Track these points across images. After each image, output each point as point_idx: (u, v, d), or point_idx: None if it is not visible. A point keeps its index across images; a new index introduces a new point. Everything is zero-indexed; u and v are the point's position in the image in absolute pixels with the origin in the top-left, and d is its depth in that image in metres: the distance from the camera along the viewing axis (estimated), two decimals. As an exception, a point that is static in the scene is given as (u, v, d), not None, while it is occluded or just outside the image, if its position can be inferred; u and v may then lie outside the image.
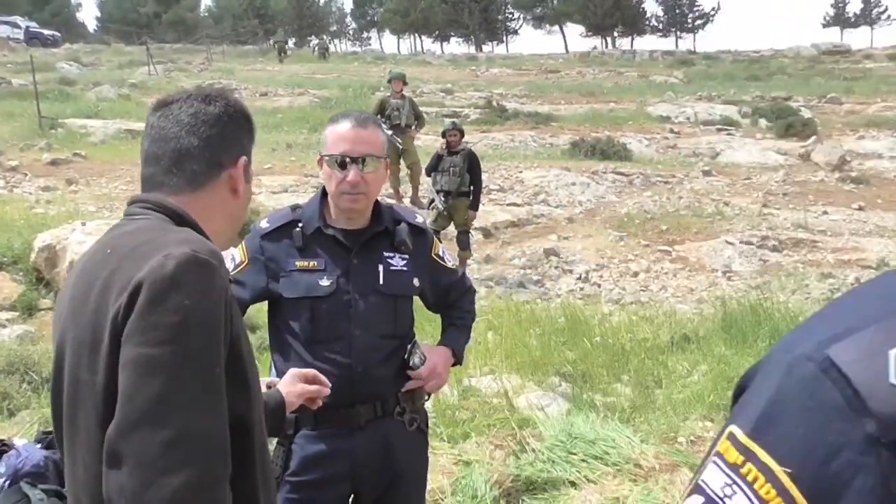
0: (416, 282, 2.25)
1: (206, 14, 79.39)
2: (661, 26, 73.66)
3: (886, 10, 73.27)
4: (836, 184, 13.64)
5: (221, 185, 1.42)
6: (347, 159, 2.09)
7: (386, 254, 2.21)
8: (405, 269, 2.22)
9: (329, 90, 24.73)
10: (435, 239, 2.41)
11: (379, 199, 2.29)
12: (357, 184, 2.09)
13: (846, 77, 33.42)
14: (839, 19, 74.93)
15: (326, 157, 2.13)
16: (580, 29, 73.08)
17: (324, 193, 2.19)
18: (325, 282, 2.12)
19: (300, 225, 2.16)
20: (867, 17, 73.98)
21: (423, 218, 2.44)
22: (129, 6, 69.86)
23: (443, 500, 3.44)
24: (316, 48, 49.05)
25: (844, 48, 50.43)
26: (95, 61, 34.84)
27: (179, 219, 1.37)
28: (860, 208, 11.86)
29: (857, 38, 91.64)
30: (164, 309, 1.17)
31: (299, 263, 2.14)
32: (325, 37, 65.84)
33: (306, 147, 15.11)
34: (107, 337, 1.21)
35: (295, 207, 2.24)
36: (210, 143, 1.40)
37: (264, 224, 2.22)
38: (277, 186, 11.78)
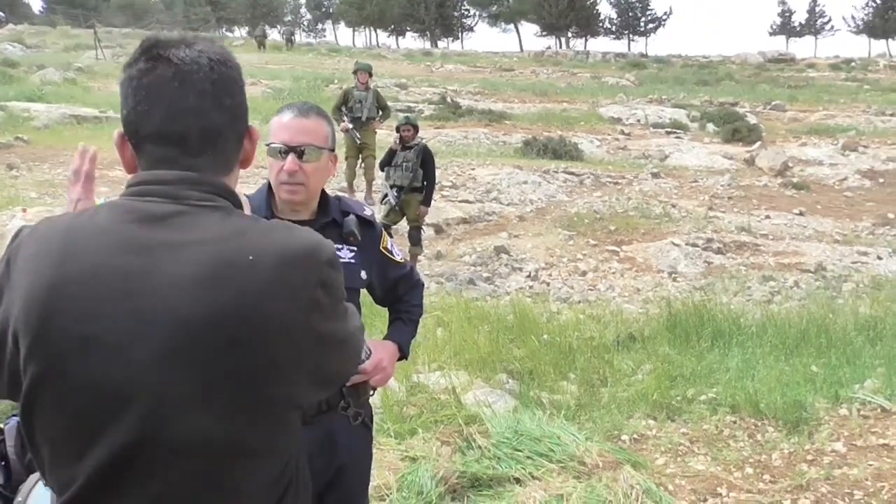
0: (363, 274, 2.24)
1: (157, -1, 77.69)
2: (614, 28, 74.70)
3: (830, 20, 75.57)
4: (778, 189, 14.01)
5: (237, 161, 1.29)
6: (286, 148, 2.07)
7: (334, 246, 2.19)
8: (353, 261, 2.21)
9: (282, 81, 24.46)
10: (384, 232, 2.40)
11: (327, 190, 2.27)
12: (294, 172, 2.07)
13: (790, 85, 34.37)
14: (785, 28, 76.99)
15: (267, 146, 2.11)
16: (535, 28, 73.75)
17: (271, 184, 2.17)
18: None
19: None
20: (812, 27, 76.18)
21: (372, 211, 2.43)
22: (77, -13, 67.94)
23: (388, 495, 3.44)
24: (283, 34, 48.86)
25: (789, 57, 51.88)
26: (40, 43, 33.92)
27: (236, 200, 1.24)
28: (801, 213, 12.20)
29: (802, 48, 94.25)
30: (338, 295, 1.25)
31: None
32: (287, 26, 65.26)
33: (258, 138, 14.93)
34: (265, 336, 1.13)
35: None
36: (235, 116, 1.23)
37: None
38: (228, 177, 11.62)
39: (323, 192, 2.21)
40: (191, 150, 1.18)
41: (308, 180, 2.09)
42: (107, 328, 1.10)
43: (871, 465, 3.91)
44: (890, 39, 69.26)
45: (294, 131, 2.08)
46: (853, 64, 48.45)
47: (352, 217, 2.23)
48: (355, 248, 2.22)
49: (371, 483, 3.02)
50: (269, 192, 2.17)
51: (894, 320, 6.17)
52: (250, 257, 1.13)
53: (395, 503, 3.40)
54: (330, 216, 2.20)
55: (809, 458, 4.04)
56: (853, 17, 72.31)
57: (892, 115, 24.46)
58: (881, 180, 15.10)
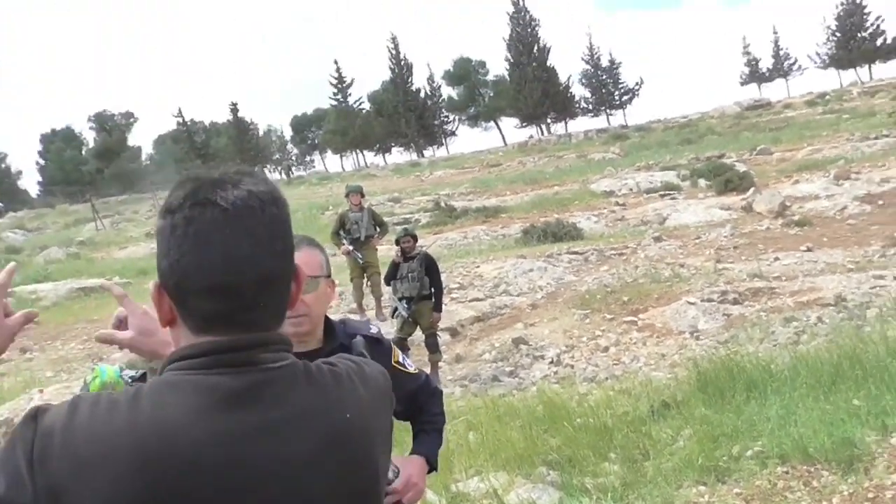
0: None
1: (148, 162, 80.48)
2: (590, 107, 76.64)
3: (796, 60, 77.60)
4: (781, 229, 14.01)
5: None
6: None
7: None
8: None
9: (279, 217, 24.91)
10: (394, 347, 2.40)
11: (329, 315, 2.28)
12: (296, 307, 2.08)
13: (771, 128, 34.98)
14: (754, 76, 78.96)
15: None
16: (514, 121, 75.71)
17: None
18: None
19: None
20: (780, 70, 78.12)
21: (378, 328, 2.43)
22: (71, 166, 70.56)
23: None
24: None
25: (765, 101, 53.10)
26: (41, 225, 34.93)
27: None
28: (808, 249, 12.15)
29: (775, 90, 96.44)
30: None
31: None
32: (265, 167, 67.30)
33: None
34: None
35: None
36: (287, 260, 1.14)
37: None
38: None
39: (326, 318, 2.22)
40: (245, 303, 1.08)
41: (310, 310, 2.10)
42: None
43: (935, 492, 3.75)
44: (858, 67, 70.86)
45: None
46: (828, 97, 49.45)
47: (359, 338, 2.23)
48: None
49: None
50: None
51: (925, 338, 6.04)
52: (347, 415, 1.14)
53: None
54: (337, 341, 2.19)
55: (871, 495, 3.88)
56: (818, 54, 74.20)
57: (876, 138, 24.75)
58: (880, 202, 15.11)
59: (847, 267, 10.77)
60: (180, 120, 73.90)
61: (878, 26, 69.36)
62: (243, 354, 1.07)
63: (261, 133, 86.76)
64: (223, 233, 1.06)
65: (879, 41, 69.09)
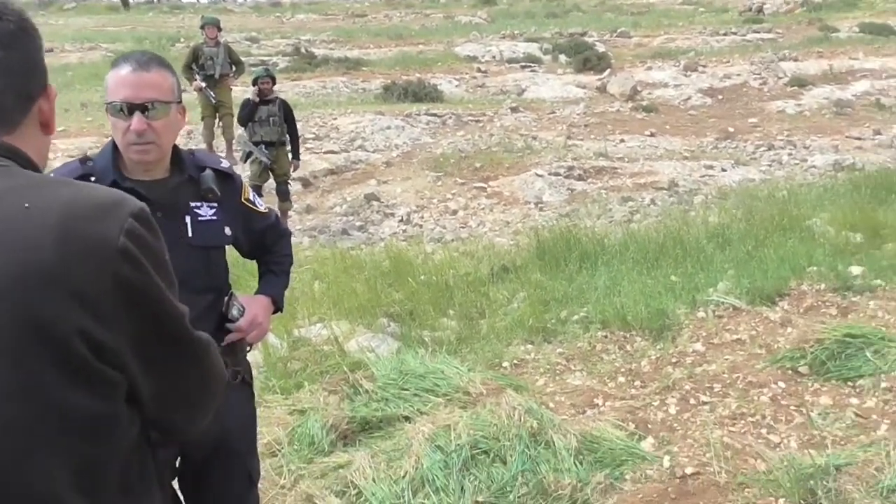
0: (227, 230, 2.18)
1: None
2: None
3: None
4: (630, 113, 14.61)
5: (32, 122, 1.14)
6: (130, 105, 1.95)
7: (192, 204, 2.11)
8: (214, 217, 2.13)
9: (123, 43, 23.02)
10: (244, 183, 2.33)
11: (179, 145, 2.17)
12: (143, 132, 1.95)
13: (633, 12, 35.60)
14: (625, -44, 79.35)
15: (108, 105, 1.99)
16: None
17: (115, 143, 2.04)
18: None
19: (93, 179, 1.99)
20: (650, -46, 78.89)
21: (230, 164, 2.37)
22: None
23: (280, 450, 3.45)
24: None
25: (631, -16, 53.54)
26: None
27: (25, 160, 1.11)
28: (652, 135, 12.80)
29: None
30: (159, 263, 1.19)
31: None
32: None
33: (103, 105, 14.12)
34: None
35: (84, 160, 2.07)
36: (12, 71, 1.10)
37: None
38: (75, 150, 10.90)
39: (175, 147, 2.12)
40: None
41: (158, 138, 1.99)
42: None
43: (726, 359, 4.27)
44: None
45: (136, 86, 1.95)
46: (689, -13, 50.59)
47: (208, 172, 2.15)
48: (216, 204, 2.14)
49: (260, 441, 3.03)
50: (115, 152, 2.05)
51: (739, 226, 6.66)
52: (26, 205, 1.01)
53: (287, 457, 3.42)
54: (186, 173, 2.11)
55: (674, 360, 4.35)
56: (686, -58, 75.26)
57: (724, 34, 25.84)
58: (720, 97, 16.03)
59: (683, 154, 11.48)
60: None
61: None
62: None
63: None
64: None
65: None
